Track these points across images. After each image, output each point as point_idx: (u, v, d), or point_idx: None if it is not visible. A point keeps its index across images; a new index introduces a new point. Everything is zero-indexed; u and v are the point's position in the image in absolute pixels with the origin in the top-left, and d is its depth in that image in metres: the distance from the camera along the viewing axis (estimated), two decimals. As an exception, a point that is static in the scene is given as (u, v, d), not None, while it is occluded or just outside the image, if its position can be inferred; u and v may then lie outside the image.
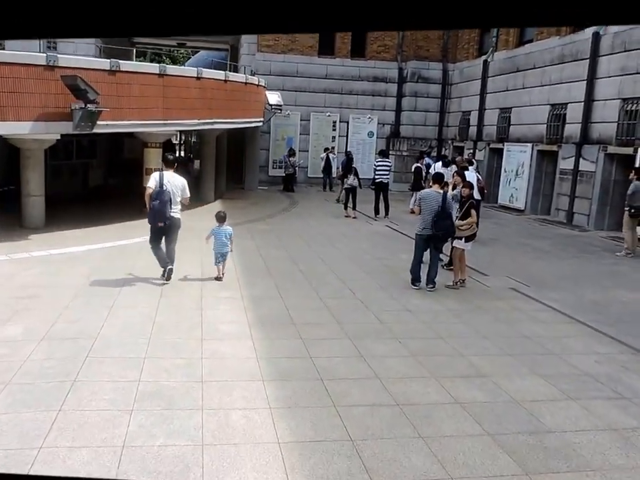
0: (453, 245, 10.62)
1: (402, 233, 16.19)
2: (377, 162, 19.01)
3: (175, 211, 9.84)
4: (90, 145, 22.54)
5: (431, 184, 10.77)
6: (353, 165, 19.07)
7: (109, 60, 14.88)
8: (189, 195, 10.18)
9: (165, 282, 9.88)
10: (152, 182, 9.73)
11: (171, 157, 10.42)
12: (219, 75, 18.38)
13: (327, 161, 26.25)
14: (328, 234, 15.54)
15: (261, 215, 18.37)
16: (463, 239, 10.25)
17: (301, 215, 18.91)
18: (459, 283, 10.23)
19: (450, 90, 28.68)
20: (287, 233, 15.41)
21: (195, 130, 18.66)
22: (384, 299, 9.53)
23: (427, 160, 24.56)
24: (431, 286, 9.98)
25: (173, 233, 10.05)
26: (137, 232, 13.97)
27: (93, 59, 14.86)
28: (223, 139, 23.14)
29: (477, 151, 24.22)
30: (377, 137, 29.10)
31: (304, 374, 6.33)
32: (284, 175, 26.32)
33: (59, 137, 14.70)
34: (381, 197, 18.74)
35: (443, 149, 28.09)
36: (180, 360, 6.60)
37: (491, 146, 23.57)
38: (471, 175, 15.41)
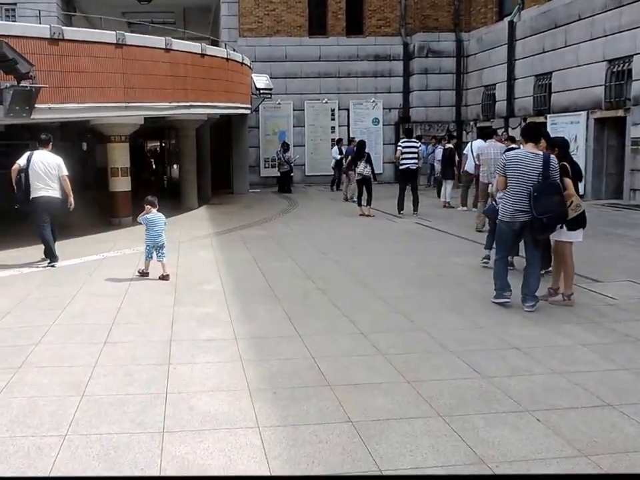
0: (554, 237, 7.24)
1: (441, 231, 12.93)
2: (402, 144, 15.64)
3: (53, 189, 9.65)
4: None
5: (521, 144, 7.35)
6: (366, 151, 15.74)
7: (48, 25, 11.66)
8: (65, 172, 9.80)
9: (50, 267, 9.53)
10: (22, 159, 9.67)
11: (45, 135, 10.10)
12: (194, 47, 15.11)
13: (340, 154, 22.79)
14: (344, 237, 12.26)
15: (255, 219, 15.08)
16: (565, 226, 6.91)
17: (304, 216, 15.63)
18: (571, 295, 6.90)
19: (466, 63, 25.54)
20: (291, 239, 12.13)
21: (167, 116, 15.38)
22: (463, 328, 6.22)
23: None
24: (531, 304, 6.65)
25: (52, 213, 9.81)
26: (98, 248, 10.83)
27: (27, 25, 11.64)
28: (204, 133, 19.89)
29: (509, 129, 20.96)
30: (384, 124, 25.93)
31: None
32: (278, 173, 23.07)
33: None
34: (408, 189, 15.45)
35: (464, 132, 24.95)
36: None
37: (529, 121, 20.31)
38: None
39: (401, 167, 15.39)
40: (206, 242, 11.70)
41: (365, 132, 25.53)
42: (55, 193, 9.61)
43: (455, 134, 22.52)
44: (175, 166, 30.23)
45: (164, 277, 8.51)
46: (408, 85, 25.90)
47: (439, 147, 19.73)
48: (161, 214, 8.90)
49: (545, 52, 19.49)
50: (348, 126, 25.64)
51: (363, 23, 26.06)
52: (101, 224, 13.71)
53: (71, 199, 9.86)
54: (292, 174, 23.24)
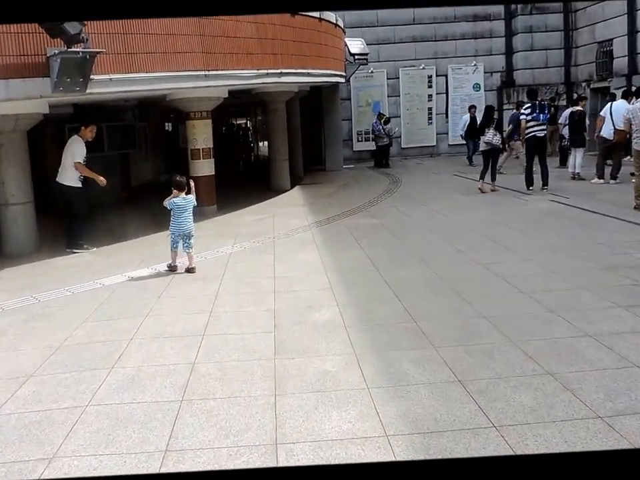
0: None
1: (591, 211, 9.82)
2: (525, 111, 12.41)
3: (63, 176, 8.92)
4: (127, 131, 16.95)
5: None
6: (495, 117, 12.75)
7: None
8: (76, 159, 8.87)
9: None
10: None
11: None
12: (282, 5, 12.30)
13: (473, 122, 18.10)
14: (475, 225, 9.31)
15: (358, 202, 12.27)
16: None
17: (414, 197, 12.71)
18: None
19: (575, 18, 21.71)
20: (411, 230, 9.28)
21: (254, 88, 12.74)
22: None
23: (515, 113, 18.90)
24: None
25: (67, 202, 9.02)
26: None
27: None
28: (294, 107, 17.17)
29: (632, 88, 17.29)
30: (485, 90, 22.44)
31: None
32: (375, 147, 20.11)
33: (46, 111, 9.14)
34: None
35: (574, 94, 21.25)
36: None
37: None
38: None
39: (527, 136, 12.20)
40: (306, 237, 9.02)
41: (466, 99, 22.14)
42: (64, 180, 8.97)
43: (584, 95, 18.89)
44: (261, 143, 27.83)
45: (190, 270, 7.21)
46: (511, 45, 22.32)
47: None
48: (191, 197, 7.36)
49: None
50: (446, 93, 22.35)
51: (459, -19, 22.59)
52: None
53: (99, 178, 9.05)
54: (390, 147, 20.25)
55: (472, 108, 18.79)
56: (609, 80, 19.65)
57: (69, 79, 7.77)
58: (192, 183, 7.56)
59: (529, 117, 12.05)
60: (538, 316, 5.06)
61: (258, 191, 14.28)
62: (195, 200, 7.40)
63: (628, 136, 13.53)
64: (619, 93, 17.87)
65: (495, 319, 5.00)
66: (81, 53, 7.70)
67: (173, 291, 6.41)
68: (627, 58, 18.57)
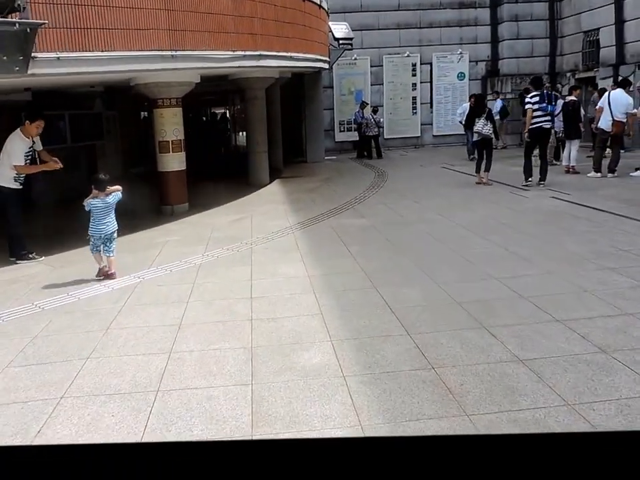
0: None
1: (600, 210, 8.64)
2: (532, 100, 11.07)
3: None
4: (94, 121, 15.36)
5: None
6: (487, 107, 11.54)
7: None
8: (14, 161, 7.29)
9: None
10: None
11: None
12: (262, -20, 10.88)
13: (472, 111, 16.59)
14: (478, 227, 8.03)
15: (343, 198, 10.96)
16: None
17: (403, 192, 11.41)
18: None
19: (561, 7, 20.59)
20: (406, 232, 7.98)
21: (230, 72, 11.33)
22: None
23: (499, 103, 18.49)
24: None
25: (1, 205, 7.42)
26: (137, 257, 7.02)
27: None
28: (275, 95, 15.77)
29: (619, 78, 16.18)
30: (470, 79, 21.21)
31: None
32: (359, 138, 18.76)
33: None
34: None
35: (559, 85, 20.10)
36: None
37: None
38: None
39: (531, 126, 10.92)
40: (288, 242, 7.67)
41: (450, 88, 21.01)
42: (1, 182, 7.40)
43: (572, 84, 17.69)
44: (240, 133, 26.35)
45: (109, 275, 6.27)
46: (496, 33, 21.11)
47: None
48: (113, 197, 6.29)
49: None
50: (431, 82, 21.06)
51: (444, -33, 21.27)
52: (150, 214, 9.85)
53: (53, 165, 7.47)
54: (379, 137, 18.85)
55: (472, 97, 17.38)
56: (594, 70, 18.63)
57: (5, 57, 6.34)
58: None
59: (535, 106, 10.78)
60: (590, 361, 3.81)
61: (234, 185, 12.92)
62: (119, 197, 6.35)
63: (625, 127, 12.43)
64: (601, 83, 16.81)
65: (536, 365, 3.75)
66: (17, 25, 6.27)
67: (126, 320, 5.03)
68: (614, 47, 17.60)
